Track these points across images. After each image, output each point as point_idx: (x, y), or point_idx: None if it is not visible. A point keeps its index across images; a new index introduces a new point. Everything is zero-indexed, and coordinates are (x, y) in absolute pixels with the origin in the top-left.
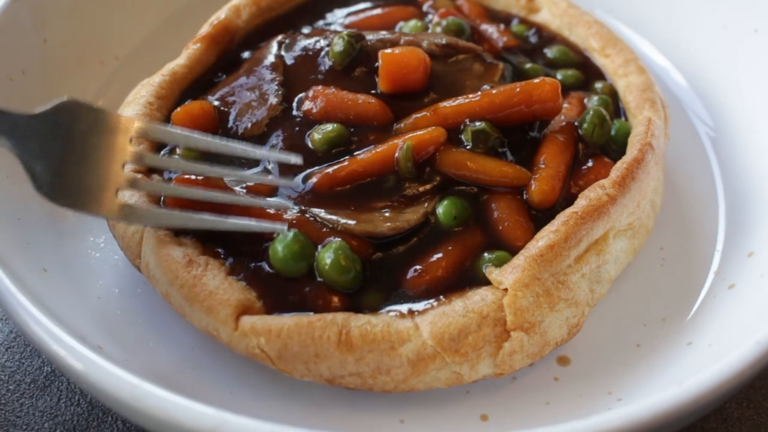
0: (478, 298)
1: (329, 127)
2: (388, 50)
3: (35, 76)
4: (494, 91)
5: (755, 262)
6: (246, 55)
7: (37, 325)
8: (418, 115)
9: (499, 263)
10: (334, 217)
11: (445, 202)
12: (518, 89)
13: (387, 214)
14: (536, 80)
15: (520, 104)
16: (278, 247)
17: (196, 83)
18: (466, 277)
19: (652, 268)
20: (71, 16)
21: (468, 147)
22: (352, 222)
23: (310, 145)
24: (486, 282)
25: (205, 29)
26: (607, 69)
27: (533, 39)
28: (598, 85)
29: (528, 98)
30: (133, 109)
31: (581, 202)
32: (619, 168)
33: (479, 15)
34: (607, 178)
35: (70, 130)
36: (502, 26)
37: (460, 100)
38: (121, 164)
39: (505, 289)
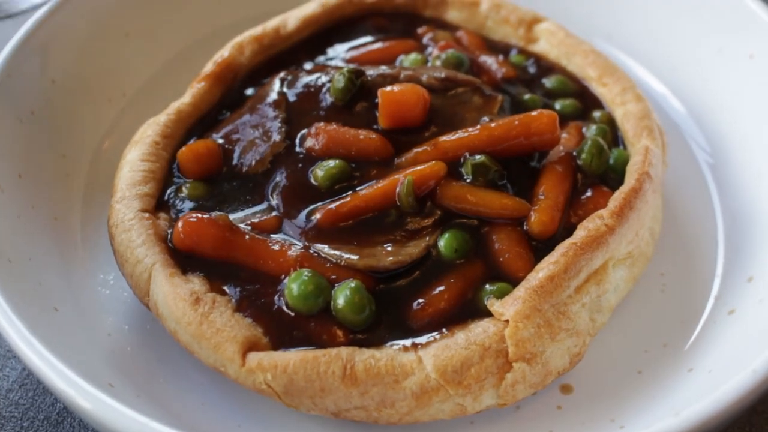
0: (479, 330)
1: (331, 163)
2: (387, 88)
3: (44, 117)
4: (493, 125)
5: (755, 287)
6: (249, 92)
7: (47, 365)
8: (419, 150)
9: (500, 295)
10: (337, 253)
11: (447, 235)
12: (516, 122)
13: (389, 248)
14: (534, 113)
15: (518, 137)
16: (293, 287)
17: (201, 121)
18: (467, 309)
19: (653, 294)
20: (79, 56)
21: (468, 180)
22: (355, 257)
23: (312, 181)
24: (488, 313)
25: (208, 67)
26: (605, 98)
27: (532, 69)
28: (597, 113)
29: (526, 130)
30: (139, 149)
31: (580, 233)
32: (617, 198)
33: (478, 46)
34: (606, 209)
35: None
36: (501, 57)
37: (460, 134)
38: None
39: (507, 321)
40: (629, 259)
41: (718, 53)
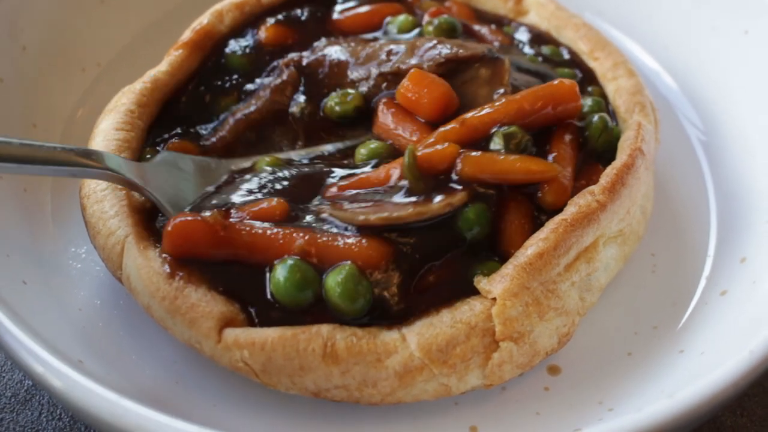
0: (466, 309)
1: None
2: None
3: (14, 85)
4: (518, 96)
5: (747, 268)
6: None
7: (14, 340)
8: (446, 129)
9: (488, 272)
10: (350, 214)
11: (469, 208)
12: (540, 92)
13: (411, 201)
14: (554, 82)
15: (545, 107)
16: (279, 278)
17: (179, 90)
18: (455, 287)
19: (643, 274)
20: (51, 23)
21: (502, 151)
22: (371, 212)
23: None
24: (475, 291)
25: (187, 35)
26: (596, 72)
27: (523, 36)
28: (588, 88)
29: (551, 100)
30: (113, 118)
31: (570, 209)
32: (608, 174)
33: (467, 16)
34: (597, 184)
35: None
36: (493, 26)
37: (487, 109)
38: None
39: (494, 299)
40: (620, 237)
41: (712, 29)
